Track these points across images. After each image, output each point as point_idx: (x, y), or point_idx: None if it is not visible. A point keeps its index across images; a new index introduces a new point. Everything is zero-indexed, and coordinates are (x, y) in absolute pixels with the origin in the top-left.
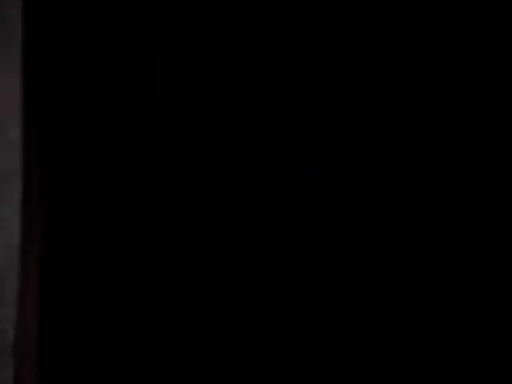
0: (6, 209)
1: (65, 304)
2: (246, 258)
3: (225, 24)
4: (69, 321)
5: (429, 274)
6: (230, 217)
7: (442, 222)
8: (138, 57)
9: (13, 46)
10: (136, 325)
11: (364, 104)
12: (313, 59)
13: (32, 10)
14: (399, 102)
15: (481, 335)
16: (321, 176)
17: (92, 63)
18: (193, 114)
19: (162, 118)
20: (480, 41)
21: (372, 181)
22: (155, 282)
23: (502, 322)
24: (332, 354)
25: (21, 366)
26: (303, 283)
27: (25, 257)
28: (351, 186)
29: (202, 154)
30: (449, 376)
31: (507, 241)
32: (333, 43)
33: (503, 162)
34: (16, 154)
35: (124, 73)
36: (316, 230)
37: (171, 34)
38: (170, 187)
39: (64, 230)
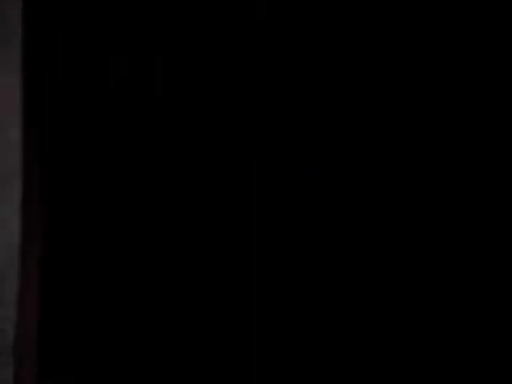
0: (6, 209)
1: (65, 304)
2: (246, 257)
3: (225, 24)
4: (69, 321)
5: (429, 274)
6: (230, 217)
7: (441, 221)
8: (137, 57)
9: (13, 45)
10: (136, 324)
11: (364, 104)
12: (313, 59)
13: (32, 10)
14: (399, 102)
15: (481, 335)
16: (321, 176)
17: (92, 63)
18: (193, 114)
19: (161, 118)
20: (480, 41)
21: (372, 181)
22: (155, 282)
23: (501, 322)
24: (332, 354)
25: (21, 365)
26: (303, 283)
27: (25, 257)
28: (351, 185)
29: (202, 153)
30: (449, 376)
31: (507, 241)
32: (333, 43)
33: (503, 162)
34: (16, 153)
35: (124, 73)
36: (316, 229)
37: (171, 33)
38: (170, 187)
39: (64, 229)
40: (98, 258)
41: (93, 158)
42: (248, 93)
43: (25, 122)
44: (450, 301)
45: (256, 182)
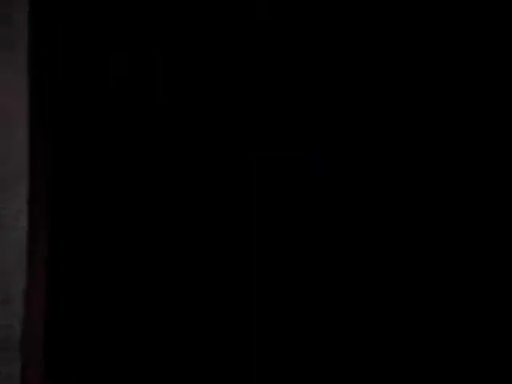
0: (12, 209)
1: (70, 303)
2: (246, 257)
3: (225, 24)
4: (75, 320)
5: (428, 274)
6: (231, 217)
7: (441, 221)
8: (137, 57)
9: (19, 48)
10: (139, 324)
11: (364, 104)
12: (313, 59)
13: (38, 14)
14: (399, 102)
15: (481, 335)
16: (321, 176)
17: (92, 63)
18: (193, 114)
19: (161, 118)
20: (480, 41)
21: (372, 181)
22: (159, 281)
23: (501, 322)
24: (332, 354)
25: (27, 364)
26: (303, 283)
27: (31, 256)
28: (351, 185)
29: (202, 153)
30: (449, 376)
31: (507, 241)
32: (333, 43)
33: (503, 162)
34: (22, 154)
35: (124, 73)
36: (316, 229)
37: (171, 34)
38: (171, 187)
39: (69, 230)
40: (103, 257)
41: (96, 158)
42: (248, 93)
43: (31, 123)
44: (450, 301)
45: (256, 182)
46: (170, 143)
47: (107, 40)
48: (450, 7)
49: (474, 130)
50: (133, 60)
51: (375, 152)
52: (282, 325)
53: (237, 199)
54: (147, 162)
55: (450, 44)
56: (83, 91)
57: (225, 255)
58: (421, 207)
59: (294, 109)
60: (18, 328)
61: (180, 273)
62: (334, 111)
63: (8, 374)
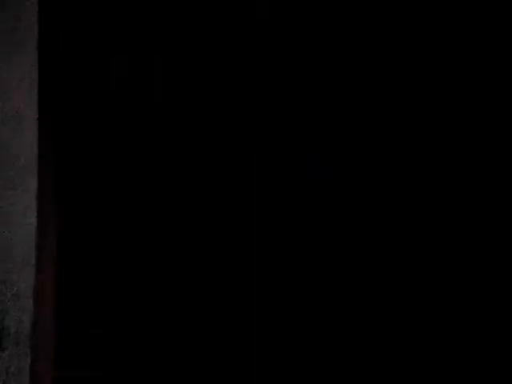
0: (20, 206)
1: (80, 298)
2: (246, 257)
3: (225, 24)
4: (84, 315)
5: (428, 274)
6: (231, 216)
7: (441, 221)
8: (137, 57)
9: (29, 50)
10: (147, 318)
11: (363, 104)
12: (313, 59)
13: (47, 15)
14: (399, 102)
15: (481, 335)
16: (321, 176)
17: (92, 63)
18: (193, 114)
19: (162, 118)
20: (480, 41)
21: (372, 181)
22: (165, 276)
23: (501, 322)
24: (332, 354)
25: (37, 359)
26: (303, 283)
27: (40, 252)
28: (351, 185)
29: (202, 153)
30: (449, 376)
31: (507, 241)
32: (333, 43)
33: (503, 162)
34: (31, 152)
35: (124, 73)
36: (316, 229)
37: (171, 33)
38: (171, 187)
39: (78, 226)
40: (111, 252)
41: (100, 156)
42: (248, 93)
43: (40, 122)
44: (450, 301)
45: (256, 182)
46: (170, 143)
47: (107, 40)
48: (449, 7)
49: (474, 130)
50: (133, 60)
51: (375, 152)
52: (282, 324)
53: (237, 199)
54: (148, 161)
55: (450, 44)
56: (85, 91)
57: (225, 255)
58: (421, 207)
59: (293, 109)
60: (28, 323)
61: (183, 272)
62: (333, 111)
63: (18, 369)
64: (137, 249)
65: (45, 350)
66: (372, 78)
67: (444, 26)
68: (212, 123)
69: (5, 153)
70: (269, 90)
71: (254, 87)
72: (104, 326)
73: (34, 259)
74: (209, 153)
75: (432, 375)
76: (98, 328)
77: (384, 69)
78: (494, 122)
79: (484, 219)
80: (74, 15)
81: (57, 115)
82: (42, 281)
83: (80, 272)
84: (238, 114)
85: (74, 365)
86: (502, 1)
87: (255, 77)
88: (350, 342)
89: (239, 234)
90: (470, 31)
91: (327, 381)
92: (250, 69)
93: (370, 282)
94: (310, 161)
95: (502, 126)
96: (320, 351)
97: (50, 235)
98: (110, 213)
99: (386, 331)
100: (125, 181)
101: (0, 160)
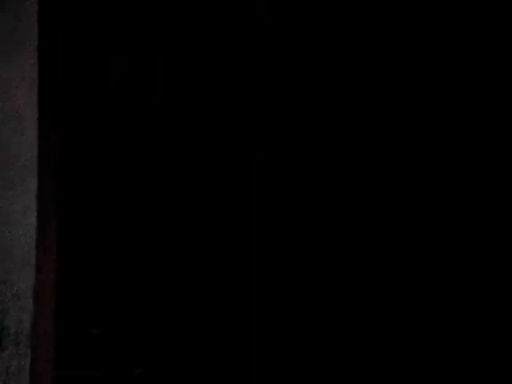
0: (20, 206)
1: (80, 298)
2: (247, 256)
3: (225, 24)
4: (84, 315)
5: (428, 274)
6: (231, 216)
7: (441, 221)
8: (138, 57)
9: (29, 49)
10: (147, 317)
11: (363, 104)
12: (312, 60)
13: (47, 15)
14: (399, 102)
15: (481, 335)
16: (321, 176)
17: (92, 63)
18: (193, 114)
19: (162, 118)
20: (480, 41)
21: (372, 181)
22: (165, 275)
23: (501, 322)
24: (332, 354)
25: (37, 359)
26: (303, 283)
27: (40, 252)
28: (351, 186)
29: (202, 153)
30: (449, 376)
31: (507, 241)
32: (333, 44)
33: (503, 162)
34: (32, 151)
35: (124, 73)
36: (316, 229)
37: (171, 34)
38: (171, 187)
39: (78, 225)
40: (111, 252)
41: (100, 156)
42: (248, 93)
43: (40, 121)
44: (450, 301)
45: (256, 182)
46: (170, 143)
47: (107, 40)
48: (449, 7)
49: (474, 130)
50: (133, 60)
51: (375, 152)
52: (281, 324)
53: (237, 199)
54: (148, 160)
55: (450, 44)
56: (85, 91)
57: (225, 255)
58: (420, 207)
59: (293, 109)
60: (28, 323)
61: (183, 272)
62: (333, 111)
63: (18, 369)
64: (136, 249)
65: (45, 350)
66: (372, 78)
67: (444, 27)
68: (212, 123)
69: (5, 153)
70: (269, 90)
71: (254, 87)
72: (104, 326)
73: (34, 259)
74: (209, 152)
75: (432, 375)
76: (98, 328)
77: (384, 69)
78: (494, 122)
79: (484, 219)
80: (74, 15)
81: (57, 115)
82: (42, 281)
83: (80, 272)
84: (237, 113)
85: (74, 365)
86: (502, 1)
87: (255, 77)
88: (349, 342)
89: (239, 234)
90: (470, 31)
91: (327, 381)
92: (249, 69)
93: (370, 282)
94: (310, 161)
95: (501, 126)
96: (320, 351)
97: (49, 235)
98: (109, 213)
99: (385, 331)
100: (125, 180)
101: (0, 160)
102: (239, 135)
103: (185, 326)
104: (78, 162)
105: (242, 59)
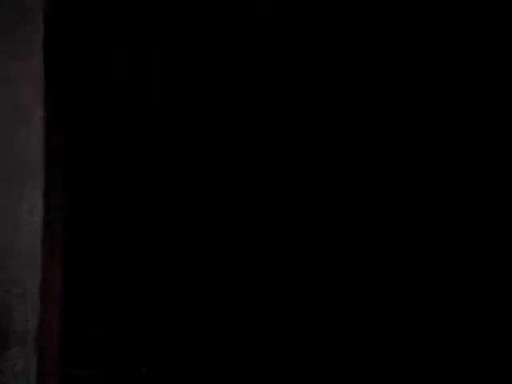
0: (27, 205)
1: (86, 297)
2: (246, 257)
3: (225, 24)
4: (90, 314)
5: (428, 274)
6: (231, 216)
7: (441, 221)
8: (137, 57)
9: (36, 50)
10: (153, 317)
11: (363, 104)
12: (312, 59)
13: (53, 16)
14: (399, 102)
15: (481, 335)
16: (321, 176)
17: (93, 63)
18: (193, 114)
19: (162, 118)
20: (480, 41)
21: (372, 181)
22: (170, 274)
23: (501, 322)
24: (332, 354)
25: (44, 358)
26: (303, 283)
27: (47, 251)
28: (351, 185)
29: (202, 153)
30: (449, 376)
31: (507, 241)
32: (332, 43)
33: (503, 162)
34: (39, 150)
35: (124, 73)
36: (316, 229)
37: (171, 33)
38: (171, 187)
39: (85, 224)
40: (118, 251)
41: (104, 155)
42: (248, 93)
43: (47, 120)
44: (450, 301)
45: (256, 182)
46: (170, 143)
47: (107, 40)
48: (449, 7)
49: (474, 130)
50: (133, 60)
51: (375, 152)
52: (282, 324)
53: (237, 199)
54: (149, 160)
55: (450, 44)
56: (85, 90)
57: (226, 255)
58: (421, 207)
59: (293, 109)
60: (35, 322)
61: (184, 271)
62: (333, 111)
63: (25, 368)
64: (140, 249)
65: (51, 349)
66: (372, 78)
67: (444, 27)
68: (212, 123)
69: (12, 151)
70: (269, 90)
71: (254, 87)
72: (108, 326)
73: (41, 258)
74: (209, 152)
75: (432, 375)
76: (103, 327)
77: (384, 69)
78: (494, 122)
79: (484, 219)
80: (74, 15)
81: (63, 114)
82: (48, 279)
83: (84, 271)
84: (237, 113)
85: (81, 364)
86: (502, 1)
87: (255, 77)
88: (349, 342)
89: (239, 234)
90: (470, 31)
91: (327, 381)
92: (249, 69)
93: (370, 282)
94: (310, 161)
95: (501, 126)
96: (320, 351)
97: (56, 234)
98: (110, 213)
99: (385, 331)
100: (127, 180)
101: (7, 159)
102: (239, 135)
103: (189, 325)
104: (84, 161)
105: (241, 59)
